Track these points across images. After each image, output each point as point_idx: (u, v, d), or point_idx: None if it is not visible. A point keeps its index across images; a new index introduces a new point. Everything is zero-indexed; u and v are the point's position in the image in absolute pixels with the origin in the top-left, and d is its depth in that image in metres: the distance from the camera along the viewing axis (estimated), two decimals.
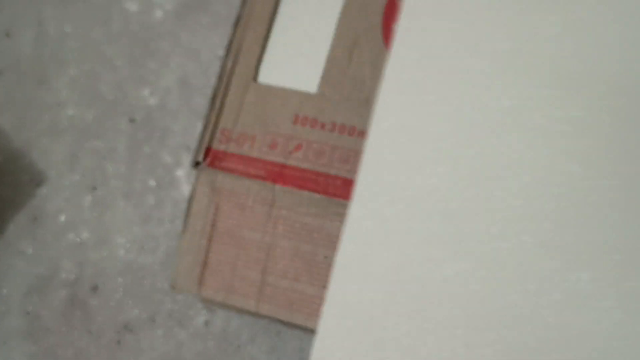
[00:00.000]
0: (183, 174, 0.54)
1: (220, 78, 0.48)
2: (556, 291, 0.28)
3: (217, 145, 0.47)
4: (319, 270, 0.43)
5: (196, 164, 0.46)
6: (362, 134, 0.45)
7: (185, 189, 0.54)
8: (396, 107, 0.34)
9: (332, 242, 0.43)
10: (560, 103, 0.30)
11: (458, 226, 0.30)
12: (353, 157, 0.45)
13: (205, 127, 0.47)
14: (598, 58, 0.31)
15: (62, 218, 0.55)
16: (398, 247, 0.30)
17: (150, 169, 0.55)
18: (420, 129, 0.33)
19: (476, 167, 0.31)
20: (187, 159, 0.54)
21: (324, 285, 0.43)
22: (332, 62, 0.47)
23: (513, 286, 0.28)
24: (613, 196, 0.28)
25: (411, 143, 0.33)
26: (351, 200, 0.32)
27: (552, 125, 0.30)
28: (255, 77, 0.48)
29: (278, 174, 0.45)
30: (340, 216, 0.44)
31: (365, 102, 0.46)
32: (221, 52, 0.50)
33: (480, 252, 0.29)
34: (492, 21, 0.33)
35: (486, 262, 0.29)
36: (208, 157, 0.46)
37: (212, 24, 0.58)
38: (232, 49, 0.48)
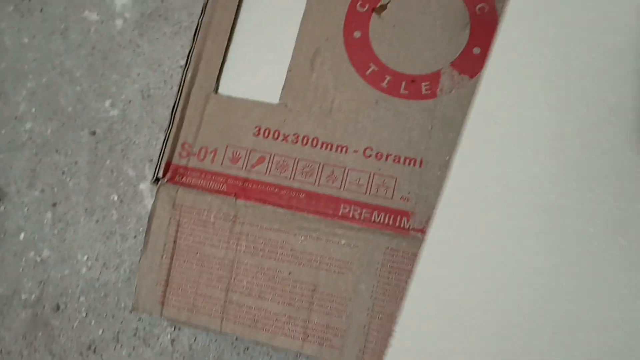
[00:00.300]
0: (146, 187, 0.53)
1: (179, 90, 0.46)
2: None
3: (178, 160, 0.45)
4: (283, 287, 0.42)
5: (156, 180, 0.45)
6: (325, 145, 0.44)
7: (149, 203, 0.52)
8: (496, 97, 0.32)
9: (296, 257, 0.42)
10: None
11: (554, 220, 0.29)
12: (317, 169, 0.44)
13: (165, 142, 0.45)
14: None
15: (22, 236, 0.54)
16: (489, 234, 0.29)
17: (112, 183, 0.54)
18: (521, 119, 0.31)
19: (577, 162, 0.29)
20: (150, 172, 0.53)
21: (288, 303, 0.42)
22: (293, 71, 0.46)
23: (605, 288, 0.28)
24: None
25: (511, 133, 0.31)
26: (445, 185, 0.31)
27: None
28: (216, 89, 0.47)
29: (240, 189, 0.44)
30: (305, 230, 0.43)
31: (328, 112, 0.45)
32: (183, 61, 0.49)
33: (573, 249, 0.28)
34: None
35: (579, 260, 0.28)
36: (168, 173, 0.45)
37: (174, 32, 0.57)
38: (191, 60, 0.47)
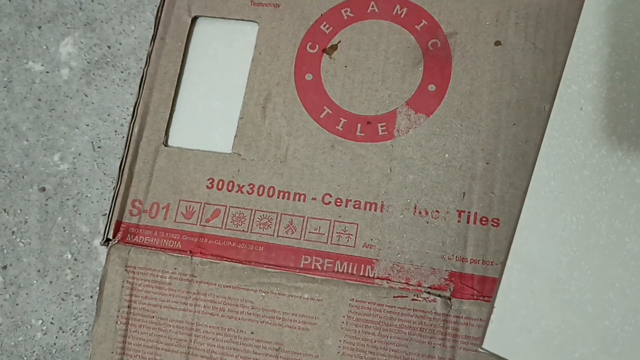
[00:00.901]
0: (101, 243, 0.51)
1: (126, 145, 0.44)
2: None
3: (129, 219, 0.43)
4: (246, 348, 0.40)
5: (106, 241, 0.42)
6: (282, 194, 0.43)
7: (105, 260, 0.50)
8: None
9: (258, 315, 0.40)
10: None
11: None
12: (275, 219, 0.42)
13: (113, 200, 0.43)
14: None
15: None
16: (584, 213, 0.30)
17: (65, 240, 0.51)
18: (606, 105, 0.32)
19: None
20: (104, 227, 0.51)
21: None
22: (245, 119, 0.44)
23: None
24: None
25: (600, 117, 0.32)
26: (537, 159, 0.32)
27: None
28: (165, 141, 0.45)
29: (196, 245, 0.42)
30: (265, 286, 0.41)
31: (283, 159, 0.43)
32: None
33: None
34: None
35: None
36: (119, 233, 0.43)
37: (122, 79, 0.55)
38: (137, 113, 0.45)
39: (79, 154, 0.54)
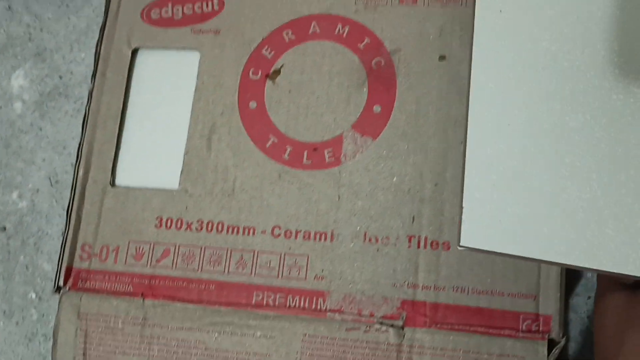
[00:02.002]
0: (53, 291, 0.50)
1: (72, 188, 0.44)
2: None
3: (79, 264, 0.43)
4: None
5: (57, 289, 0.42)
6: (231, 229, 0.42)
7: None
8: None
9: (211, 356, 0.40)
10: None
11: (574, 83, 0.33)
12: (225, 256, 0.41)
13: (62, 246, 0.43)
14: None
15: None
16: (524, 103, 0.33)
17: (28, 280, 0.51)
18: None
19: (580, 31, 0.34)
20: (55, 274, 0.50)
21: None
22: (191, 153, 0.44)
23: (633, 131, 0.32)
24: None
25: (520, 15, 0.35)
26: (471, 66, 0.34)
27: None
28: (112, 181, 0.44)
29: (147, 287, 0.42)
30: (218, 326, 0.40)
31: (231, 193, 0.42)
32: None
33: (598, 104, 0.32)
34: None
35: (605, 112, 0.32)
36: (70, 279, 0.42)
37: (76, 110, 0.54)
38: (82, 154, 0.44)
39: (37, 190, 0.53)
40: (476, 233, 0.32)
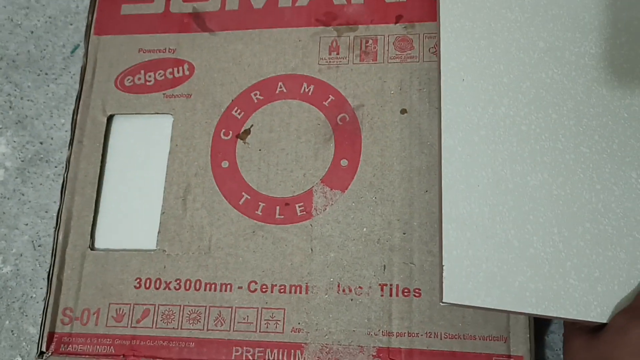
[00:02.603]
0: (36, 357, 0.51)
1: (53, 253, 0.45)
2: (616, 188, 0.36)
3: (61, 328, 0.44)
4: None
5: (41, 354, 0.43)
6: (209, 286, 0.43)
7: None
8: (461, 60, 0.39)
9: None
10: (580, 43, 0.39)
11: (532, 145, 0.37)
12: (204, 313, 0.43)
13: (44, 311, 0.44)
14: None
15: None
16: (490, 166, 0.36)
17: (14, 344, 0.52)
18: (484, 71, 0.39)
19: (532, 96, 0.38)
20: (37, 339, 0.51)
21: None
22: (167, 214, 0.45)
23: (585, 187, 0.36)
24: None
25: (480, 83, 0.39)
26: (441, 132, 0.37)
27: (579, 60, 0.38)
28: (91, 245, 0.45)
29: (128, 348, 0.43)
30: None
31: (207, 251, 0.44)
32: None
33: (554, 163, 0.36)
34: None
35: (560, 170, 0.36)
36: (52, 344, 0.43)
37: (57, 174, 0.56)
38: (61, 220, 0.46)
39: (21, 255, 0.54)
40: (457, 289, 0.34)
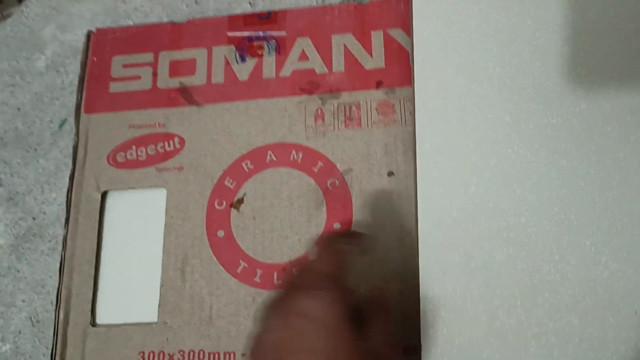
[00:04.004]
0: None
1: (55, 332, 0.45)
2: (572, 257, 0.38)
3: None
4: None
5: None
6: (212, 355, 0.44)
7: None
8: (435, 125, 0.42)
9: None
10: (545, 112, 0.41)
11: (498, 222, 0.39)
12: None
13: None
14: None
15: None
16: (462, 247, 0.39)
17: None
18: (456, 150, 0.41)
19: (499, 173, 0.40)
20: None
21: None
22: (166, 286, 0.46)
23: (545, 258, 0.38)
24: (595, 180, 0.39)
25: (452, 163, 0.41)
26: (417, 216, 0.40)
27: (541, 132, 0.40)
28: (92, 321, 0.46)
29: None
30: None
31: (209, 321, 0.45)
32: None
33: (518, 238, 0.39)
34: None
35: (523, 245, 0.39)
36: None
37: (51, 249, 0.56)
38: (61, 298, 0.46)
39: (19, 332, 0.55)
40: None
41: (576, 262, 0.38)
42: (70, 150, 0.59)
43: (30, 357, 0.54)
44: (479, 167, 0.40)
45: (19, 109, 0.62)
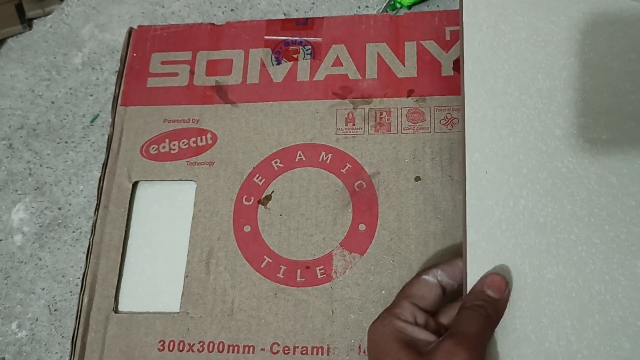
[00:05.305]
0: None
1: (77, 317, 0.46)
2: (623, 277, 0.37)
3: None
4: None
5: None
6: (232, 348, 0.44)
7: None
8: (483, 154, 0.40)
9: None
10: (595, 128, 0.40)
11: (548, 237, 0.38)
12: None
13: None
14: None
15: None
16: (510, 260, 0.37)
17: None
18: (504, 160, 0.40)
19: (549, 187, 0.39)
20: None
21: None
22: (190, 277, 0.47)
23: (595, 278, 0.37)
24: None
25: (501, 175, 0.39)
26: (466, 226, 0.38)
27: (592, 148, 0.39)
28: (115, 308, 0.46)
29: None
30: None
31: (230, 313, 0.45)
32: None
33: (568, 256, 0.37)
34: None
35: (573, 263, 0.37)
36: None
37: (74, 239, 0.57)
38: (86, 283, 0.47)
39: (36, 319, 0.55)
40: None
41: (627, 283, 0.37)
42: (100, 144, 0.60)
43: (45, 344, 0.54)
44: (529, 179, 0.39)
45: (53, 102, 0.63)
